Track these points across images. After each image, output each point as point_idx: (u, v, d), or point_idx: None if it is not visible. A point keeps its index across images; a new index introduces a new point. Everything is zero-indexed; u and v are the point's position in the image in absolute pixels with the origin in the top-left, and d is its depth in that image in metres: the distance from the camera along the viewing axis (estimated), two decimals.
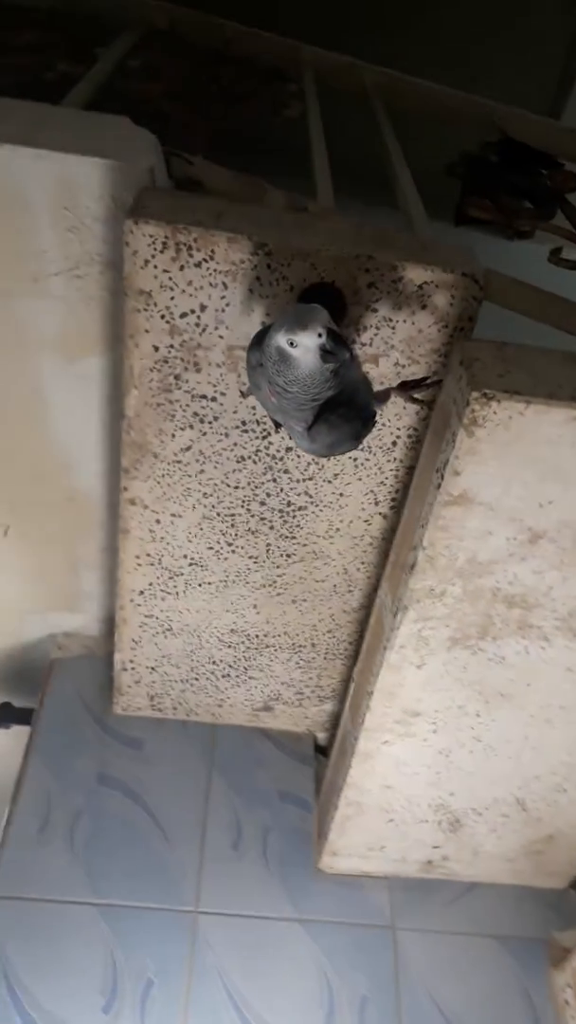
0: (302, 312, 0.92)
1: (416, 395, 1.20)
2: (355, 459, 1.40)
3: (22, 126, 1.36)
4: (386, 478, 1.43)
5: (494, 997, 1.54)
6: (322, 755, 1.86)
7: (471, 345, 1.05)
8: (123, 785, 1.73)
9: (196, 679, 1.78)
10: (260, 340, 1.02)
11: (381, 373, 1.28)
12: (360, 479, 1.43)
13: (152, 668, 1.76)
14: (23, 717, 1.95)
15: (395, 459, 1.40)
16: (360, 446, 1.13)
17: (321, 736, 1.90)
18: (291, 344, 0.92)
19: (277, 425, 1.29)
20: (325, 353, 0.91)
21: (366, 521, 1.49)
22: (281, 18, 2.23)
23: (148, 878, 1.58)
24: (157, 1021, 1.41)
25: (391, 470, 1.41)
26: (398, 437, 1.37)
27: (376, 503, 1.46)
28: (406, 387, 1.19)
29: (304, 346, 0.91)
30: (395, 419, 1.34)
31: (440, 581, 1.15)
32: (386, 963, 1.55)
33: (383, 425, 1.35)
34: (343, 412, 1.00)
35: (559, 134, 2.05)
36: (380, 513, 1.48)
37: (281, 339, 0.92)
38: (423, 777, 1.45)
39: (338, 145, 1.98)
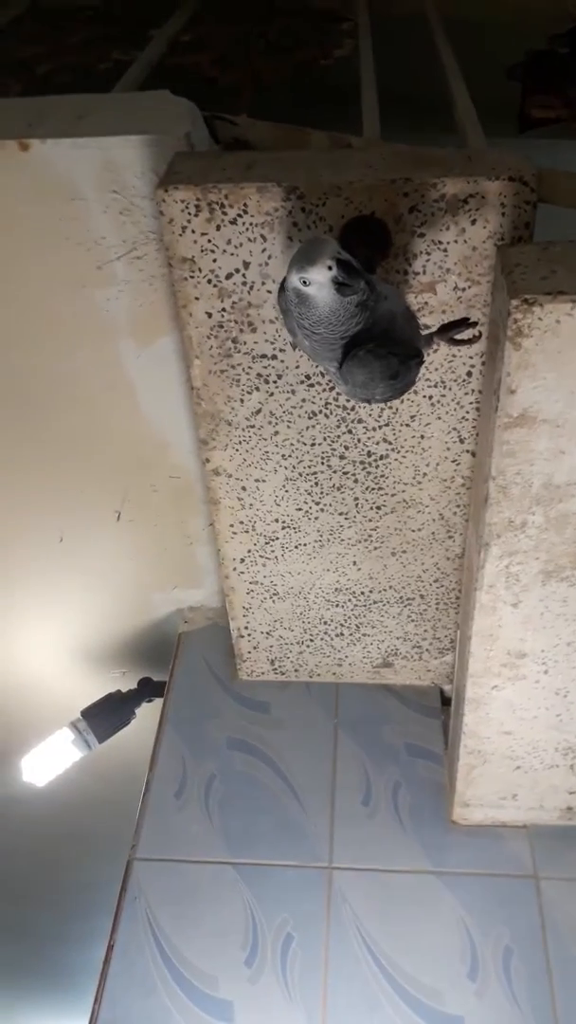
0: (308, 247, 0.88)
1: (458, 337, 1.11)
2: (430, 397, 1.34)
3: (64, 119, 1.39)
4: (467, 413, 1.35)
5: None
6: (450, 707, 1.82)
7: (512, 251, 0.96)
8: (252, 748, 1.77)
9: (311, 640, 1.78)
10: (283, 286, 0.99)
11: (441, 301, 1.22)
12: (439, 418, 1.37)
13: (267, 633, 1.78)
14: (161, 690, 2.04)
15: (473, 391, 1.32)
16: (404, 389, 1.05)
17: (448, 688, 1.85)
18: (304, 283, 0.88)
19: None
20: (340, 285, 0.87)
21: (454, 461, 1.42)
22: None
23: (281, 836, 1.61)
24: (299, 973, 1.44)
25: (471, 403, 1.34)
26: (472, 367, 1.30)
27: (461, 440, 1.39)
28: (446, 330, 1.11)
29: (317, 282, 0.88)
30: (466, 348, 1.27)
31: (518, 511, 1.08)
32: (530, 914, 1.49)
33: (454, 356, 1.28)
34: (374, 348, 0.95)
35: None
36: (468, 451, 1.41)
37: (294, 279, 0.89)
38: (543, 721, 1.38)
39: (404, 79, 1.89)
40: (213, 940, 1.49)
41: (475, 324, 1.11)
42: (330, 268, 0.86)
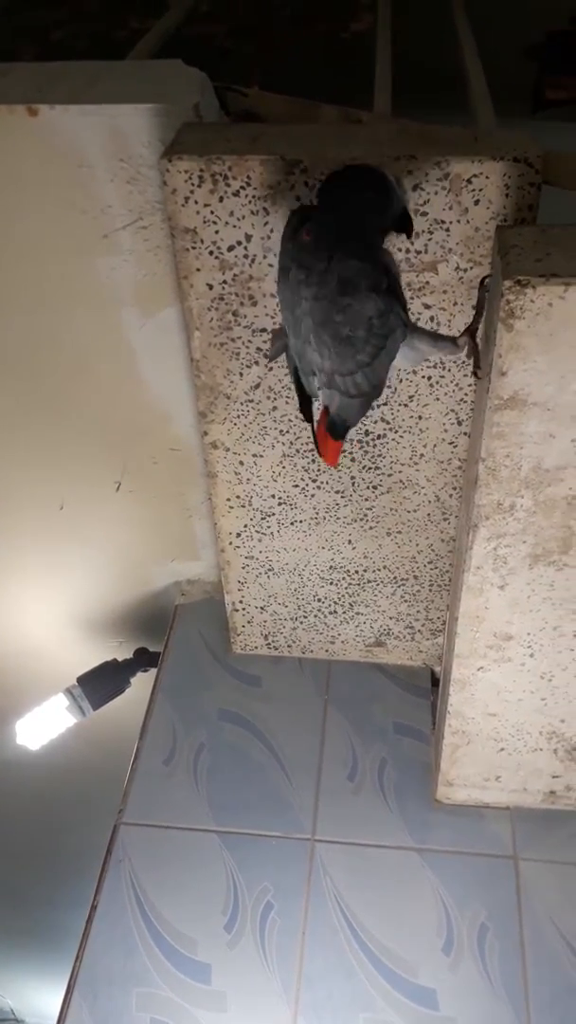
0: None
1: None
2: (429, 378, 1.34)
3: (74, 86, 1.39)
4: (465, 395, 1.36)
5: None
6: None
7: (509, 232, 0.96)
8: (242, 720, 1.79)
9: (305, 617, 1.80)
10: (303, 222, 0.99)
11: (443, 281, 1.22)
12: (438, 399, 1.37)
13: (261, 608, 1.80)
14: (157, 661, 2.06)
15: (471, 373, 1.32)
16: (377, 353, 1.01)
17: (439, 669, 1.87)
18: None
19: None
20: None
21: (451, 444, 1.43)
22: None
23: (266, 807, 1.64)
24: (276, 940, 1.47)
25: (469, 385, 1.34)
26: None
27: (459, 423, 1.40)
28: (472, 331, 1.10)
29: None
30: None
31: (507, 494, 1.08)
32: (508, 893, 1.51)
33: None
34: (365, 255, 0.95)
35: None
36: (465, 433, 1.41)
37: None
38: (528, 704, 1.39)
39: (421, 55, 1.87)
40: (194, 905, 1.51)
41: None
42: None
